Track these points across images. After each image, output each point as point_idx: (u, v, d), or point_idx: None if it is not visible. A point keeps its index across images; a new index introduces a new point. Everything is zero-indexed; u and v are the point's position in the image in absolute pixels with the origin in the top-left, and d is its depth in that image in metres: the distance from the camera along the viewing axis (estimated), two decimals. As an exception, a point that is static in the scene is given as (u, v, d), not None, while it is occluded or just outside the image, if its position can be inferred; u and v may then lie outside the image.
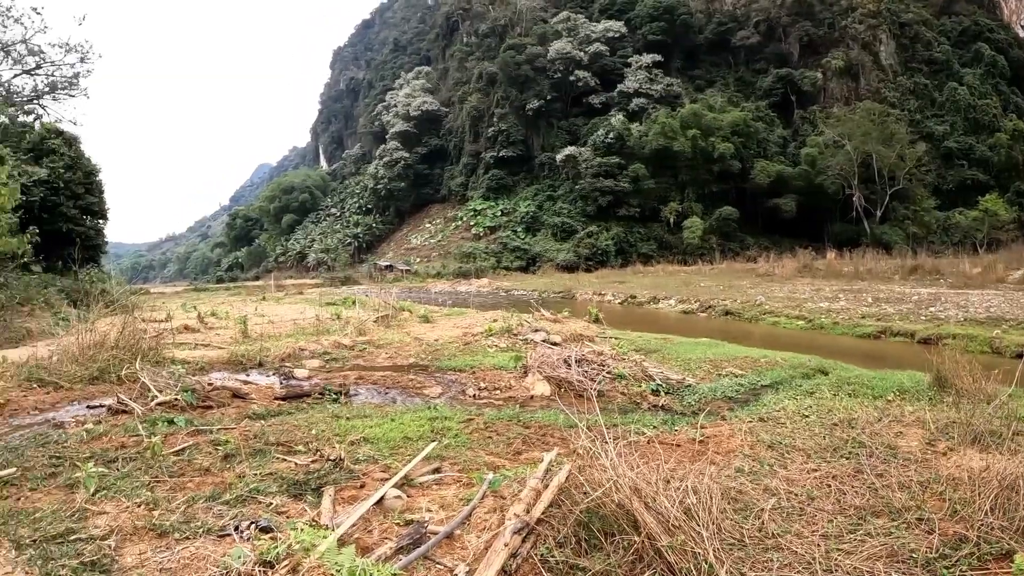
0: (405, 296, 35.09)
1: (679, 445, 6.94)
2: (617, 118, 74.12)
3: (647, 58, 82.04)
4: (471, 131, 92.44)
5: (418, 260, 79.50)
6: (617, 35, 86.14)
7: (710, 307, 30.11)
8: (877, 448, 6.84)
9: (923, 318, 24.01)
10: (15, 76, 39.29)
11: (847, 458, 6.56)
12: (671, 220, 66.61)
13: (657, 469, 4.91)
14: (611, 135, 71.49)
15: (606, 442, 4.68)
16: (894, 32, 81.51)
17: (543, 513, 4.49)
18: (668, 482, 4.73)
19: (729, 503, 5.17)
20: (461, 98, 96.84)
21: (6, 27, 37.40)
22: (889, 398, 9.42)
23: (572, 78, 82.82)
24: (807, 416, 8.25)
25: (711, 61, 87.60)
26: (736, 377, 11.10)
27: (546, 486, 4.82)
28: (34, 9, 40.45)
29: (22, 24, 38.50)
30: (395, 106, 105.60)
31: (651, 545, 4.13)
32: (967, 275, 39.62)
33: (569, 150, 75.54)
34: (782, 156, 69.36)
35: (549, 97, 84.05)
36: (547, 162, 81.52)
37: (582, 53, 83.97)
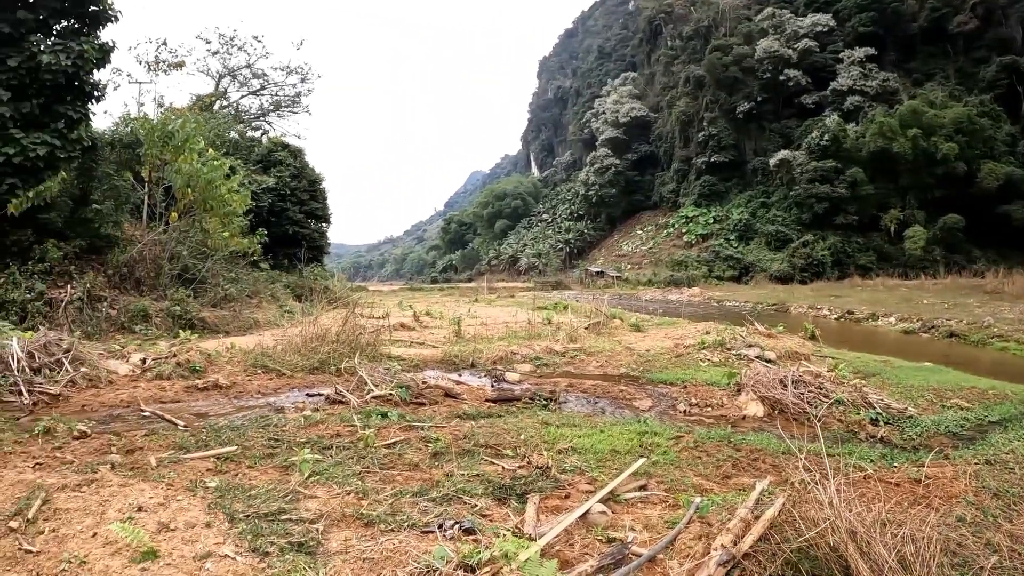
0: (615, 303, 34.51)
1: (898, 485, 6.53)
2: (832, 118, 72.42)
3: (859, 52, 79.56)
4: (680, 136, 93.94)
5: (628, 267, 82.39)
6: (825, 29, 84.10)
7: (933, 327, 28.34)
8: None
9: None
10: (242, 97, 45.11)
11: None
12: (891, 229, 64.12)
13: (873, 510, 4.51)
14: (826, 137, 69.45)
15: (826, 477, 4.46)
16: None
17: (751, 547, 4.32)
18: (885, 525, 4.37)
19: (947, 556, 4.69)
20: (669, 103, 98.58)
21: (231, 54, 43.20)
22: None
23: (782, 78, 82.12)
24: None
25: (927, 52, 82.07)
26: (962, 410, 10.38)
27: (756, 517, 4.68)
28: (255, 37, 46.85)
29: (245, 51, 44.30)
30: (603, 113, 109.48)
31: None
32: None
33: (782, 154, 75.04)
34: (1011, 156, 63.99)
35: (759, 99, 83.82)
36: (760, 167, 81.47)
37: (790, 51, 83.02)
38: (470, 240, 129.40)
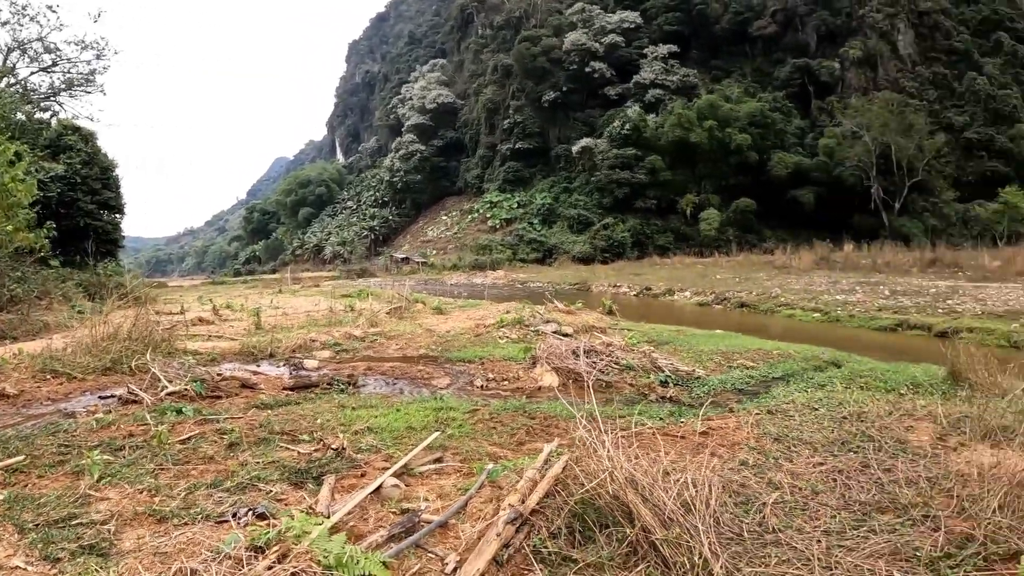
0: (421, 288, 35.47)
1: (683, 437, 6.87)
2: (633, 109, 74.25)
3: (663, 49, 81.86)
4: (487, 123, 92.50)
5: (434, 252, 79.88)
6: (633, 26, 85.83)
7: (725, 299, 30.02)
8: (886, 443, 6.71)
9: (940, 311, 23.87)
10: (32, 74, 40.14)
11: (855, 452, 6.45)
12: (688, 212, 66.63)
13: (657, 461, 4.84)
14: (627, 126, 71.32)
15: (603, 432, 4.61)
16: (912, 21, 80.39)
17: (538, 504, 4.46)
18: (668, 474, 4.67)
19: (730, 496, 5.14)
20: (476, 90, 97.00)
21: (22, 25, 38.33)
22: (902, 392, 9.27)
23: (588, 69, 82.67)
24: (816, 409, 8.14)
25: (728, 51, 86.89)
26: (747, 369, 11.10)
27: (543, 476, 4.81)
28: (49, 7, 41.08)
29: (38, 22, 39.86)
30: (410, 99, 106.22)
31: (645, 538, 4.09)
32: (986, 268, 39.25)
33: (585, 142, 75.59)
34: (800, 147, 68.87)
35: (565, 89, 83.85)
36: (563, 154, 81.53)
37: (598, 44, 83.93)
38: (274, 230, 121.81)
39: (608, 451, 4.44)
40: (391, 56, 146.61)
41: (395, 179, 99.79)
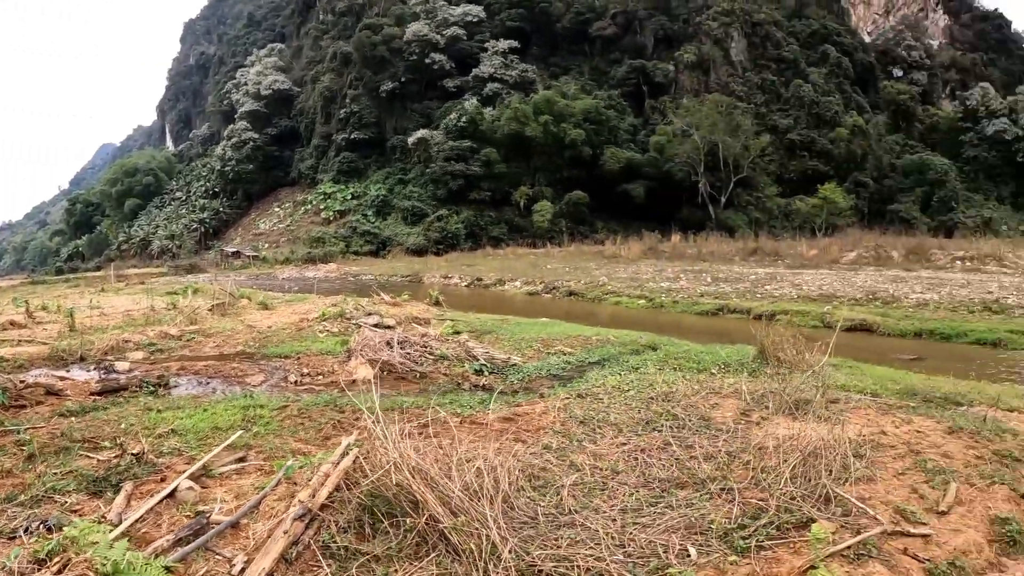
0: (251, 284, 35.63)
1: (488, 424, 6.84)
2: (471, 102, 73.03)
3: (504, 44, 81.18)
4: (323, 112, 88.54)
5: (266, 246, 75.35)
6: (475, 19, 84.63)
7: (555, 288, 30.74)
8: (691, 420, 6.91)
9: (759, 296, 25.60)
10: None
11: (658, 431, 6.58)
12: (522, 204, 66.34)
13: (453, 449, 4.91)
14: (464, 119, 70.23)
15: (392, 424, 4.73)
16: (746, 31, 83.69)
17: (328, 498, 4.47)
18: (469, 461, 4.76)
19: (529, 481, 5.22)
20: (314, 78, 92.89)
21: None
22: (713, 371, 9.67)
23: (428, 61, 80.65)
24: (626, 391, 8.32)
25: (568, 50, 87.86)
26: (565, 355, 11.37)
27: (335, 470, 4.80)
28: None
29: None
30: (245, 84, 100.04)
31: (434, 527, 4.09)
32: (804, 257, 42.82)
33: (421, 133, 73.59)
34: (632, 144, 70.29)
35: (404, 79, 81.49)
36: (399, 145, 79.17)
37: (439, 36, 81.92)
38: (99, 223, 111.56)
39: (394, 441, 4.54)
40: (228, 38, 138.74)
41: (227, 169, 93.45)
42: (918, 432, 6.88)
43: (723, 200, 64.61)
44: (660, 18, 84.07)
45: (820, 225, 59.29)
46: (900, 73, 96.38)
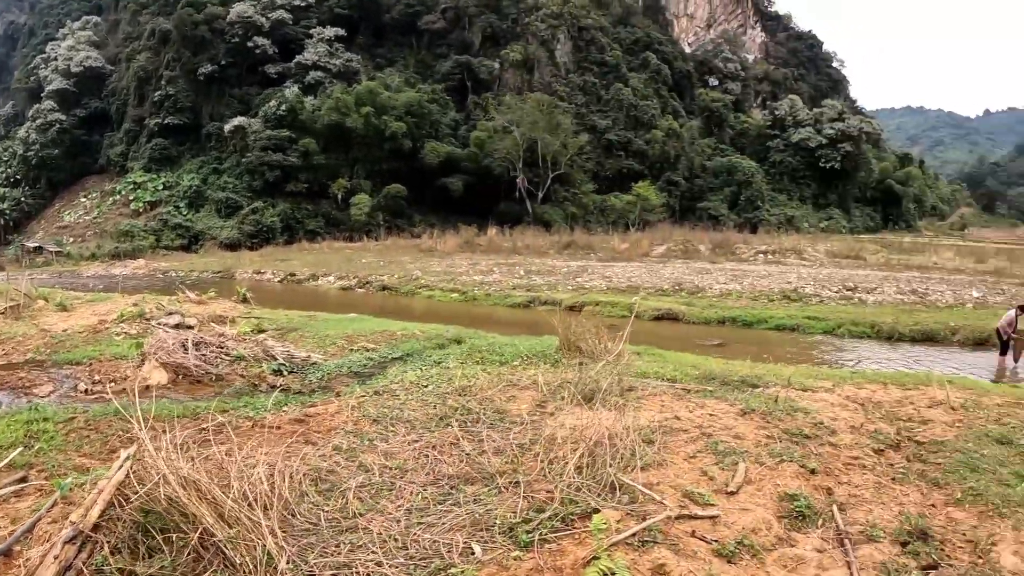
0: (53, 282, 33.92)
1: (279, 427, 6.67)
2: (292, 90, 70.58)
3: (330, 31, 78.87)
4: (136, 94, 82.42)
5: (72, 240, 69.94)
6: (303, 4, 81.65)
7: (368, 283, 31.27)
8: (485, 414, 6.86)
9: (570, 288, 26.54)
10: None
11: (451, 426, 6.51)
12: (340, 197, 65.01)
13: (233, 456, 4.64)
14: (283, 107, 67.68)
15: (167, 432, 4.46)
16: (572, 34, 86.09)
17: (102, 516, 4.05)
18: (252, 468, 4.60)
19: (315, 484, 5.12)
20: (129, 56, 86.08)
21: None
22: (515, 364, 9.69)
23: (251, 44, 77.04)
24: (425, 387, 8.27)
25: (395, 41, 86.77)
26: (368, 352, 11.26)
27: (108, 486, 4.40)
28: None
29: None
30: (55, 59, 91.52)
31: (210, 540, 3.87)
32: (616, 250, 44.52)
33: (238, 120, 70.12)
34: (453, 138, 70.56)
35: (224, 63, 77.42)
36: (215, 133, 75.14)
37: (264, 19, 78.36)
38: None
39: (166, 452, 4.20)
40: (41, 7, 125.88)
41: (30, 154, 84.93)
42: (711, 415, 7.09)
43: (541, 195, 66.04)
44: (489, 16, 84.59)
45: (634, 221, 62.16)
46: (716, 82, 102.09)
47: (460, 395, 7.64)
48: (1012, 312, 16.74)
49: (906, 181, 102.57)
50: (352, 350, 11.45)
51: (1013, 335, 16.75)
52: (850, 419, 7.37)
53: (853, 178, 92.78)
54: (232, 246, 58.74)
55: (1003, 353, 16.79)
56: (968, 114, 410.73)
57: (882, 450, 6.48)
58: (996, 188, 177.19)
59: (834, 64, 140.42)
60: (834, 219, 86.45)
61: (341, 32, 79.47)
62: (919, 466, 6.14)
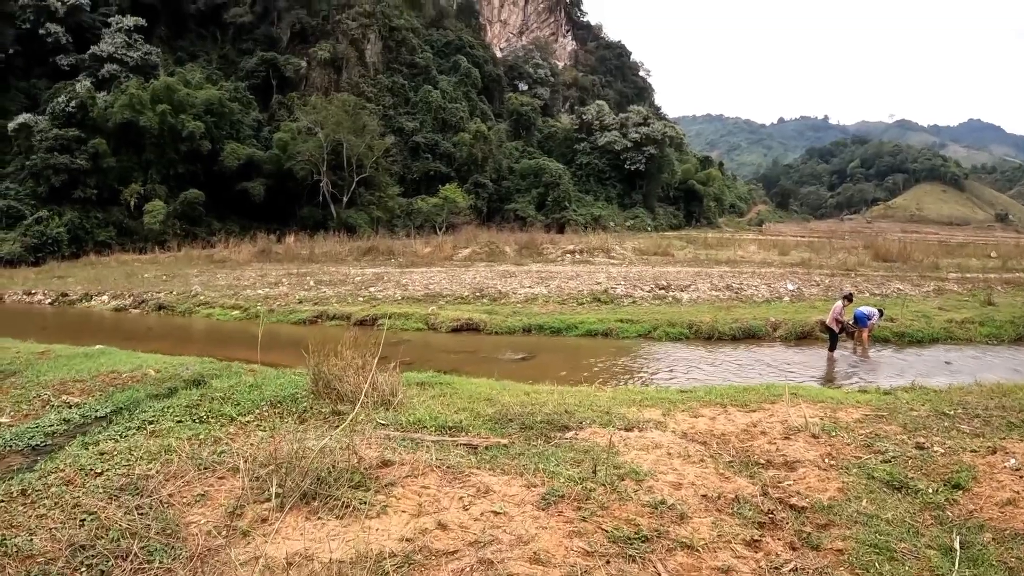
0: None
1: None
2: (83, 84, 65.16)
3: (129, 20, 73.55)
4: (-92, 87, 74.52)
5: None
6: (104, -11, 75.92)
7: (144, 301, 28.29)
8: (148, 537, 4.82)
9: (361, 299, 24.87)
10: None
11: (89, 565, 4.50)
12: (132, 204, 60.47)
13: None
14: (73, 103, 61.93)
15: None
16: (383, 34, 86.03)
17: None
18: None
19: None
20: None
21: None
22: (249, 419, 7.81)
23: (43, 31, 71.20)
24: (99, 474, 6.07)
25: (199, 34, 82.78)
26: (70, 408, 8.66)
27: None
28: None
29: None
30: None
31: None
32: (419, 255, 43.07)
33: (23, 118, 63.52)
34: (255, 139, 68.32)
35: (12, 51, 70.96)
36: (-1, 131, 68.63)
37: (59, 3, 72.09)
38: None
39: None
40: None
41: None
42: (497, 515, 5.25)
43: (345, 199, 65.46)
44: (299, 11, 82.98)
45: (440, 223, 61.95)
46: (525, 87, 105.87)
47: (132, 494, 5.54)
48: (839, 303, 17.14)
49: (707, 182, 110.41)
50: (52, 406, 8.83)
51: (848, 326, 17.35)
52: (698, 482, 6.04)
53: (657, 179, 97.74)
54: (12, 262, 51.95)
55: (832, 348, 17.10)
56: (763, 121, 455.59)
57: (757, 540, 5.12)
58: (789, 187, 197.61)
59: (641, 73, 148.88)
60: (639, 218, 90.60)
61: (141, 22, 74.27)
62: (814, 559, 4.89)
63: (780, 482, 6.20)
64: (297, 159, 62.91)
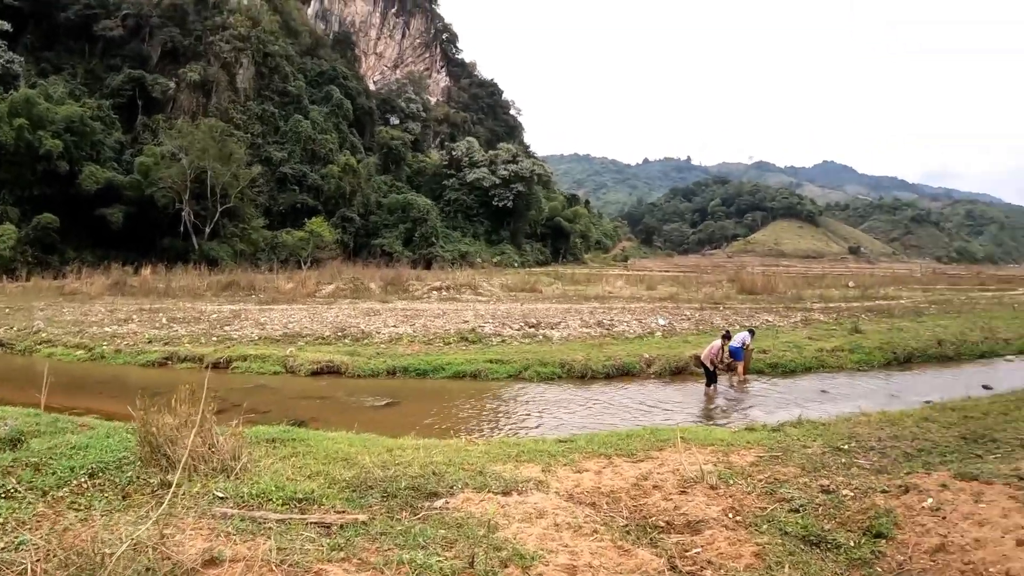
0: None
1: None
2: None
3: None
4: None
5: None
6: (-25, -6, 70.57)
7: None
8: None
9: (215, 339, 23.18)
10: None
11: None
12: None
13: None
14: None
15: None
16: (257, 59, 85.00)
17: None
18: None
19: None
20: None
21: None
22: (63, 492, 6.36)
23: (-99, 34, 65.65)
24: None
25: (67, 46, 78.42)
26: None
27: None
28: None
29: None
30: None
31: None
32: (282, 291, 40.48)
33: None
34: (116, 163, 65.50)
35: None
36: None
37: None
38: None
39: None
40: None
41: None
42: None
43: (208, 230, 63.32)
44: (172, 29, 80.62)
45: (306, 258, 60.33)
46: (397, 121, 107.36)
47: None
48: (717, 342, 17.44)
49: (573, 219, 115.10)
50: None
51: (720, 364, 17.57)
52: (596, 562, 5.41)
53: (525, 216, 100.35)
54: None
55: (709, 384, 17.30)
56: (629, 161, 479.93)
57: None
58: (653, 224, 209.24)
59: (512, 111, 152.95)
60: (507, 254, 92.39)
61: (7, 27, 68.95)
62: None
63: (687, 550, 5.72)
64: (159, 185, 60.32)
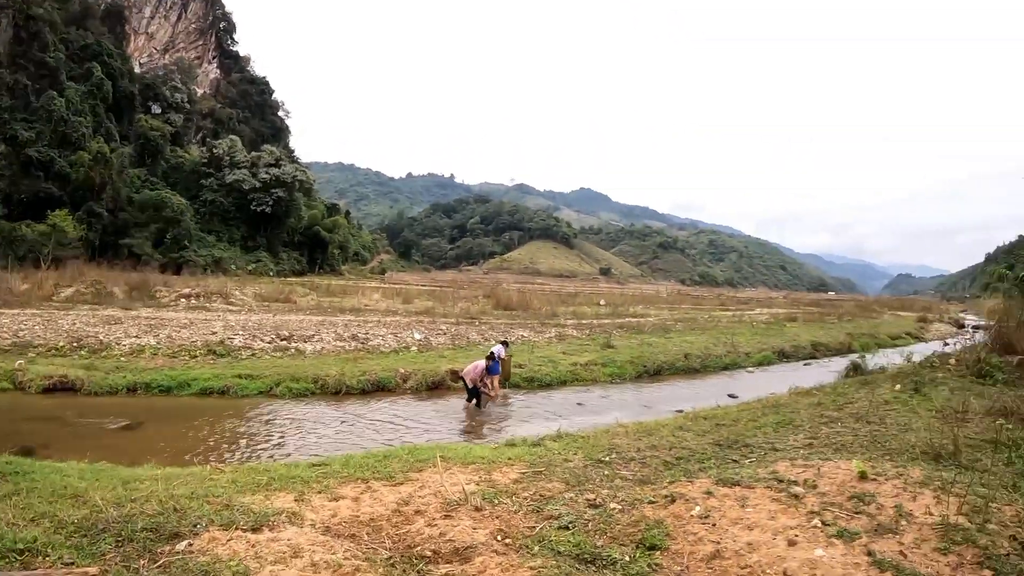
0: None
1: None
2: None
3: None
4: None
5: None
6: None
7: None
8: None
9: None
10: None
11: None
12: None
13: None
14: None
15: None
16: (18, 22, 78.15)
17: None
18: None
19: None
20: None
21: None
22: None
23: None
24: None
25: None
26: None
27: None
28: None
29: None
30: None
31: None
32: (15, 292, 36.69)
33: None
34: None
35: None
36: None
37: None
38: None
39: None
40: None
41: None
42: None
43: None
44: None
45: (47, 255, 54.35)
46: (159, 110, 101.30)
47: None
48: (482, 363, 16.99)
49: (333, 229, 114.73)
50: None
51: (482, 385, 17.01)
52: None
53: (284, 223, 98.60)
54: None
55: (470, 399, 17.08)
56: (393, 175, 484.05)
57: None
58: (412, 238, 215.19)
59: (280, 113, 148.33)
60: (262, 262, 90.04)
61: None
62: None
63: (460, 578, 5.31)
64: None
